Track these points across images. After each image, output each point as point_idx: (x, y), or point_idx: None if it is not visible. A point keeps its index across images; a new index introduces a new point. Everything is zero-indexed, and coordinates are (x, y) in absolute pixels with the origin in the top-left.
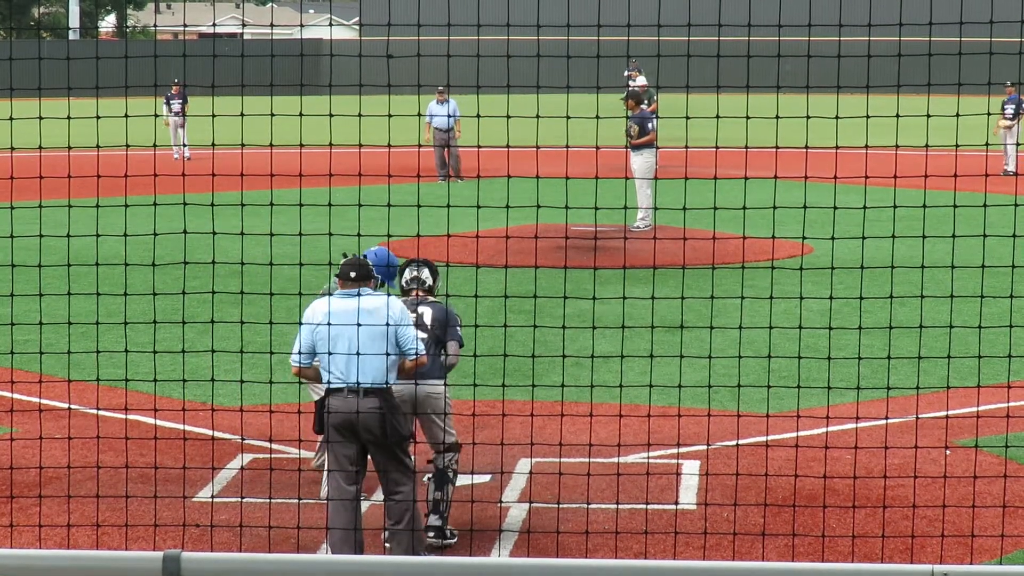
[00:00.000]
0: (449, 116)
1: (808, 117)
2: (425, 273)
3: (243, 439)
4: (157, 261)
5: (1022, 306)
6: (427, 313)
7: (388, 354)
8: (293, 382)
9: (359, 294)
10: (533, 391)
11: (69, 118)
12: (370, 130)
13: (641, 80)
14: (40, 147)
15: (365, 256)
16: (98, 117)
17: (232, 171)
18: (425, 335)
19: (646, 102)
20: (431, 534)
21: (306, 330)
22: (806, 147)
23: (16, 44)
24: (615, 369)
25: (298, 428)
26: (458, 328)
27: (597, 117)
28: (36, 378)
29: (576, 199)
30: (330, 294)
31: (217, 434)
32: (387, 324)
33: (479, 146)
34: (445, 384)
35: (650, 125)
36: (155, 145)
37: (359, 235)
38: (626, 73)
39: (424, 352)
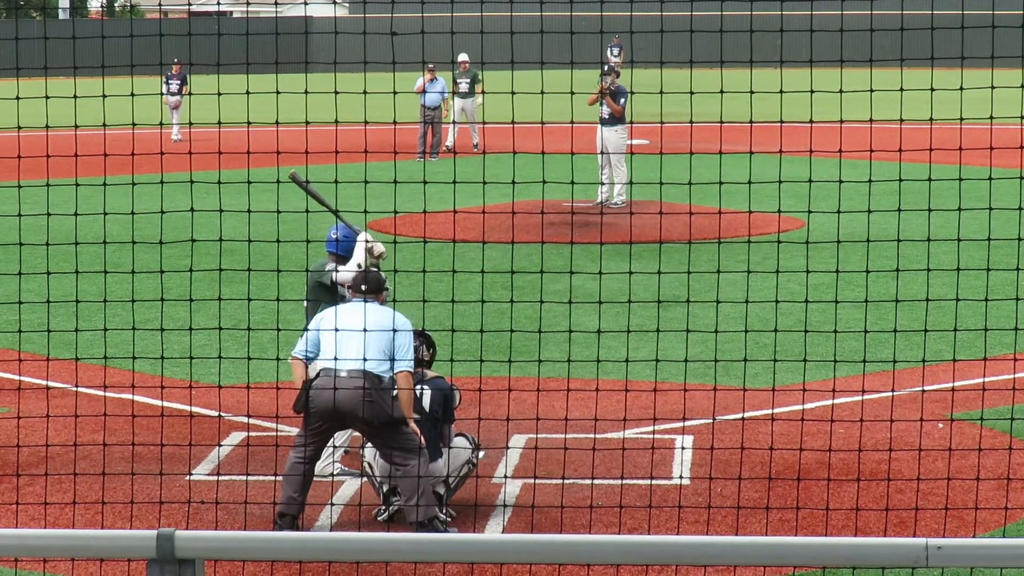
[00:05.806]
0: (438, 93)
1: (781, 92)
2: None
3: (249, 418)
4: (149, 240)
5: None
6: (426, 394)
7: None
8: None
9: (365, 301)
10: (509, 367)
11: (76, 96)
12: (351, 108)
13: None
14: (47, 126)
15: (338, 235)
16: (104, 96)
17: (210, 150)
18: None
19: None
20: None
21: (312, 334)
22: (811, 121)
23: (12, 24)
24: (605, 345)
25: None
26: (453, 408)
27: (572, 92)
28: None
29: (554, 174)
30: (341, 299)
31: (208, 412)
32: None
33: (454, 122)
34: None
35: (622, 100)
36: (161, 124)
37: (365, 211)
38: (613, 50)
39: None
